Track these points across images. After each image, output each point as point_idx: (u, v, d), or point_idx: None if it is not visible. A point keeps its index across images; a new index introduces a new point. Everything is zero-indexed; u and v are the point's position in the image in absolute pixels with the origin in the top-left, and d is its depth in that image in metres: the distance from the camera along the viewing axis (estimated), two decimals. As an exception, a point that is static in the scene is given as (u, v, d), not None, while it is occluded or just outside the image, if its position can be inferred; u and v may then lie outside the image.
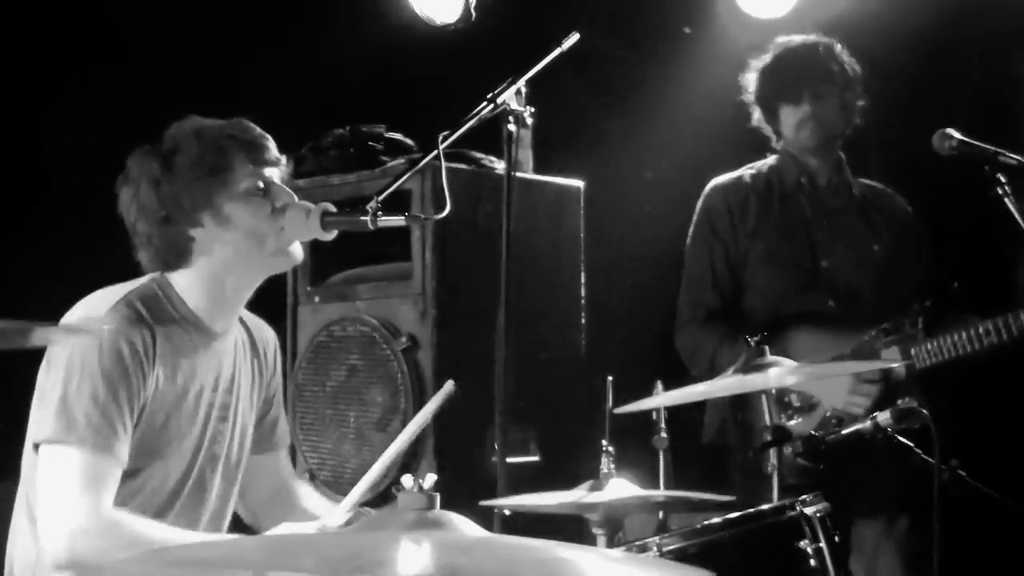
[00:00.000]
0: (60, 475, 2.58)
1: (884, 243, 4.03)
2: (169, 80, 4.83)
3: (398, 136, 4.43)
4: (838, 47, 4.04)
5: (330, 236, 2.79)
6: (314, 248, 2.89)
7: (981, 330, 3.65)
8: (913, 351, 3.73)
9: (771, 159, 4.15)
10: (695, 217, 4.14)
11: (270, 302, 3.13)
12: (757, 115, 4.14)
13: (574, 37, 3.28)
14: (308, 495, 3.13)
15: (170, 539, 2.61)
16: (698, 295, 4.05)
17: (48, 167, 4.92)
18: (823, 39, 4.06)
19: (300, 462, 4.19)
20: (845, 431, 2.93)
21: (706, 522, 2.72)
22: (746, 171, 4.14)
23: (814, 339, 3.80)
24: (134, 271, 2.83)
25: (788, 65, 4.01)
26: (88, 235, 4.24)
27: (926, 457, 2.92)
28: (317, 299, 4.29)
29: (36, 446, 2.65)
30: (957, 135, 3.39)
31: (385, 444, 3.97)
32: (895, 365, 3.65)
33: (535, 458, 4.02)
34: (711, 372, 3.88)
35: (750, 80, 4.11)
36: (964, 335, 3.66)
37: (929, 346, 3.71)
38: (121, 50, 4.92)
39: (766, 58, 4.09)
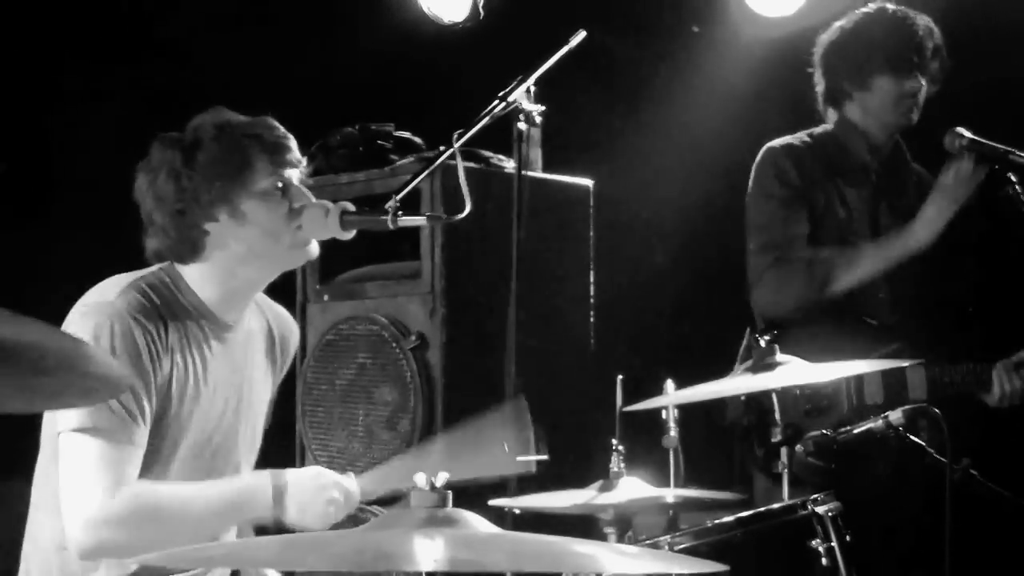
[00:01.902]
0: (80, 463, 2.59)
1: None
2: (179, 76, 4.83)
3: (407, 135, 4.43)
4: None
5: (348, 235, 2.80)
6: (323, 246, 2.89)
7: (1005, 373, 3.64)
8: (934, 376, 3.67)
9: (822, 130, 3.92)
10: (757, 175, 3.89)
11: (280, 299, 3.12)
12: (823, 76, 3.89)
13: (581, 35, 3.28)
14: None
15: (189, 496, 2.64)
16: (773, 235, 3.80)
17: (57, 160, 4.93)
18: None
19: (309, 460, 4.18)
20: (857, 430, 2.92)
21: (717, 521, 2.72)
22: (799, 139, 3.90)
23: (847, 340, 3.71)
24: (143, 263, 2.83)
25: (907, 32, 3.75)
26: (97, 227, 4.25)
27: (938, 456, 2.91)
28: (326, 297, 4.29)
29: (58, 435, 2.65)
30: (968, 133, 3.38)
31: (394, 443, 4.00)
32: (906, 364, 3.62)
33: (544, 457, 4.00)
34: (821, 289, 3.71)
35: (838, 37, 3.84)
36: (987, 373, 3.64)
37: (951, 377, 3.67)
38: (131, 46, 4.92)
39: (864, 17, 3.82)
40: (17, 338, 1.75)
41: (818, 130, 3.96)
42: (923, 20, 3.81)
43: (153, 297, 2.72)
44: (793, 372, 3.00)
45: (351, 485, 2.69)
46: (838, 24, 3.90)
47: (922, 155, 4.00)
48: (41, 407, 2.41)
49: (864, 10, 3.88)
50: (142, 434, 2.64)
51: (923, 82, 3.77)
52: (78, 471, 2.59)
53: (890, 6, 3.86)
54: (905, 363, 3.58)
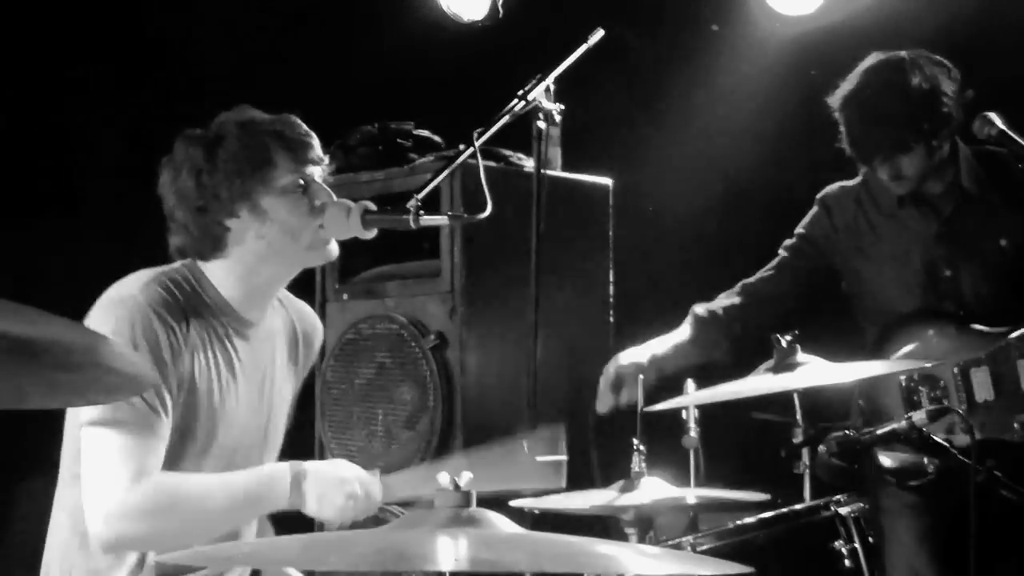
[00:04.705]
0: (102, 456, 2.58)
1: (1011, 232, 3.67)
2: (197, 75, 4.83)
3: (426, 133, 4.42)
4: (927, 69, 3.58)
5: (370, 235, 2.79)
6: (342, 245, 2.89)
7: None
8: None
9: (863, 174, 3.79)
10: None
11: (299, 298, 3.12)
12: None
13: (599, 33, 3.27)
14: None
15: (209, 487, 2.64)
16: (754, 274, 3.82)
17: (79, 157, 4.95)
18: (914, 60, 3.59)
19: (328, 459, 4.18)
20: (880, 431, 2.89)
21: (740, 522, 2.71)
22: (850, 184, 3.81)
23: (940, 340, 3.57)
24: (165, 260, 2.83)
25: (873, 122, 3.57)
26: (119, 223, 4.26)
27: (962, 457, 2.88)
28: (345, 296, 4.28)
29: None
30: (999, 123, 3.30)
31: (414, 442, 4.00)
32: (928, 365, 3.56)
33: (563, 457, 3.99)
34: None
35: (840, 109, 3.66)
36: None
37: None
38: (149, 44, 4.93)
39: (851, 91, 3.63)
40: (40, 335, 1.78)
41: (861, 176, 3.83)
42: (896, 91, 3.56)
43: (176, 293, 2.72)
44: (815, 372, 2.98)
45: (372, 481, 2.68)
46: (847, 89, 3.66)
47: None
48: (65, 403, 2.43)
49: (861, 78, 3.65)
50: (164, 426, 2.63)
51: (900, 168, 3.58)
52: (100, 464, 2.58)
53: (877, 65, 3.63)
54: (928, 364, 3.52)
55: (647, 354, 3.53)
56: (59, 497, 2.78)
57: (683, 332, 3.69)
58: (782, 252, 3.86)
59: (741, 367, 3.33)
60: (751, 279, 3.85)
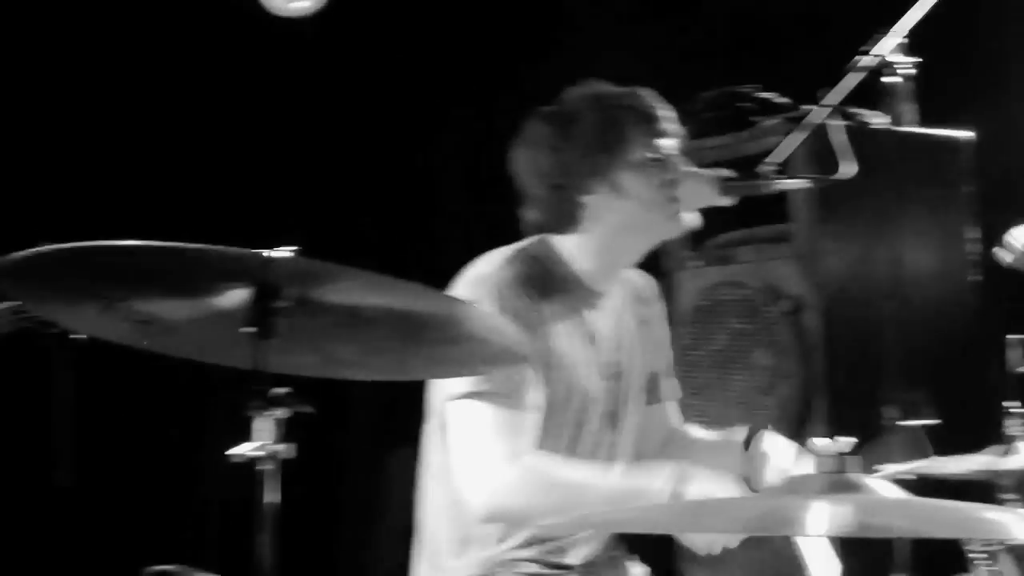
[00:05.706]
0: (474, 430, 2.66)
1: None
2: (526, 51, 4.97)
3: (772, 95, 4.34)
4: None
5: (729, 202, 2.78)
6: (694, 213, 2.89)
7: None
8: None
9: None
10: None
11: (648, 267, 3.13)
12: None
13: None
14: (698, 432, 3.10)
15: (588, 480, 2.64)
16: None
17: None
18: None
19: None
20: None
21: None
22: None
23: None
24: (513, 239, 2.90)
25: None
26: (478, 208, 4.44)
27: None
28: (697, 263, 4.27)
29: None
30: None
31: (772, 408, 3.94)
32: None
33: (930, 421, 3.86)
34: None
35: None
36: None
37: None
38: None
39: None
40: (427, 310, 1.87)
41: None
42: None
43: (532, 269, 2.79)
44: None
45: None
46: None
47: None
48: (444, 375, 2.57)
49: None
50: (533, 394, 2.68)
51: None
52: (476, 436, 2.65)
53: None
54: None
55: None
56: (425, 464, 2.87)
57: None
58: None
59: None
60: None
